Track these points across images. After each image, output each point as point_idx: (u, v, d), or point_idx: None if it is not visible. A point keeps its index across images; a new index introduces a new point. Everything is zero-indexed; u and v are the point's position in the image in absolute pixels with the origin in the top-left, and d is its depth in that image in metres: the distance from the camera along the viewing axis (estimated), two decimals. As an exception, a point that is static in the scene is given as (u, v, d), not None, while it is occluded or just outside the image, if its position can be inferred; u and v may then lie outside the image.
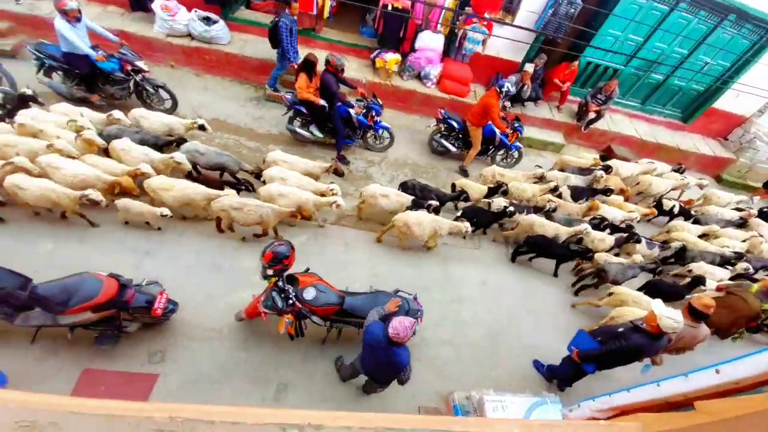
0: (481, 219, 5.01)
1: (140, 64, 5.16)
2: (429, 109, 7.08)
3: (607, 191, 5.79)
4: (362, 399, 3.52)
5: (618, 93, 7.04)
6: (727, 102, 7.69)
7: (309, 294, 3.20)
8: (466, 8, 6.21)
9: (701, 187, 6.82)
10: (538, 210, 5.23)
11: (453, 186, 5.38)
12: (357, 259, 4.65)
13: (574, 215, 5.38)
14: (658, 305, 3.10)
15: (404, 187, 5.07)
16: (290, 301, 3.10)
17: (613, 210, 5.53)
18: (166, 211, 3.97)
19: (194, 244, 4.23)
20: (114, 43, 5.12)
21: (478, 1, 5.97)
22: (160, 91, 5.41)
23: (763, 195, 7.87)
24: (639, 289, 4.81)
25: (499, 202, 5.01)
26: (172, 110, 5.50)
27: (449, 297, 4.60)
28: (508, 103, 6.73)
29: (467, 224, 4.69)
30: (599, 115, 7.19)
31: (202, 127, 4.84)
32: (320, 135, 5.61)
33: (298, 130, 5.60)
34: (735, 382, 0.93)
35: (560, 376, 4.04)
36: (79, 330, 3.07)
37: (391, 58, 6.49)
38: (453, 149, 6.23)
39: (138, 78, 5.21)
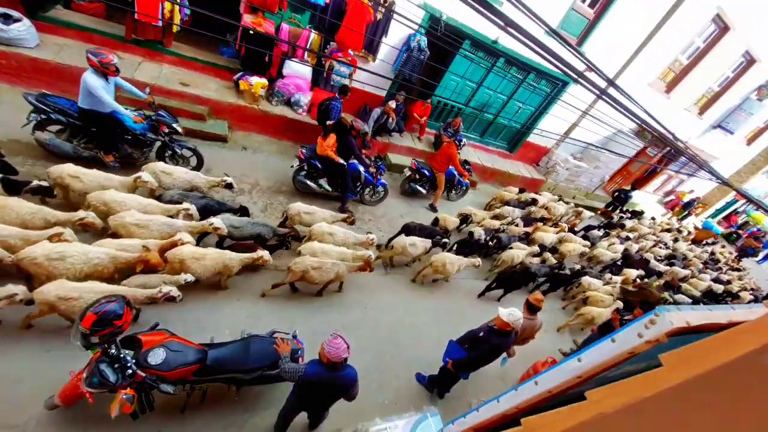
0: (473, 249, 6.12)
1: (176, 126, 4.80)
2: (300, 135, 7.01)
3: (542, 219, 8.05)
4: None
5: (462, 128, 8.38)
6: (535, 138, 10.01)
7: (156, 357, 2.61)
8: (331, 43, 6.48)
9: (577, 206, 9.33)
10: (498, 231, 6.87)
11: (435, 220, 6.40)
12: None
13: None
14: (501, 310, 3.68)
15: (407, 228, 5.75)
16: (129, 372, 2.47)
17: (549, 235, 7.38)
18: (189, 277, 3.44)
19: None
20: (140, 98, 4.58)
21: (343, 36, 6.30)
22: (186, 151, 5.01)
23: (604, 212, 11.40)
24: (545, 281, 6.72)
25: (479, 232, 6.32)
26: (198, 169, 5.04)
27: (333, 326, 4.49)
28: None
29: (479, 260, 5.77)
30: (451, 145, 8.40)
31: (229, 186, 4.62)
32: (329, 188, 6.02)
33: (308, 182, 5.91)
34: (548, 391, 1.12)
35: (439, 385, 4.37)
36: None
37: (257, 81, 6.20)
38: (424, 191, 7.45)
39: (167, 139, 4.80)
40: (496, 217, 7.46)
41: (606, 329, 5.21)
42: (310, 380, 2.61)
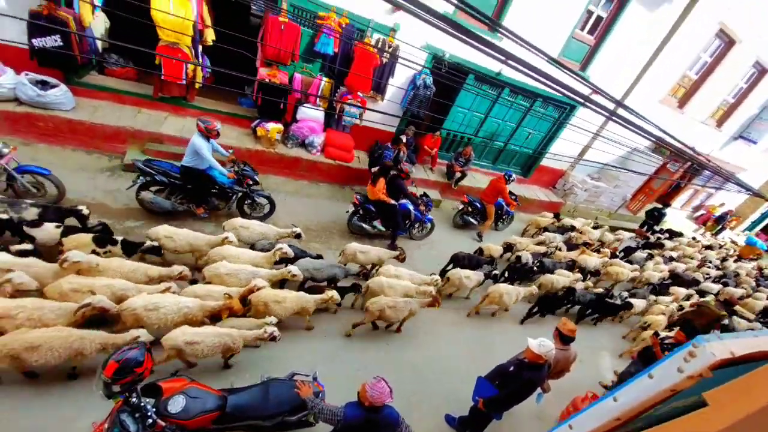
0: (521, 274, 6.50)
1: (257, 178, 5.42)
2: (315, 174, 7.23)
3: (586, 244, 8.13)
4: None
5: (474, 156, 8.46)
6: (549, 161, 9.97)
7: (176, 405, 2.57)
8: (341, 87, 6.83)
9: (613, 229, 9.18)
10: (544, 255, 7.16)
11: (480, 250, 6.52)
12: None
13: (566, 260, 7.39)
14: (531, 342, 3.48)
15: (456, 258, 5.95)
16: (150, 421, 2.43)
17: (593, 259, 7.45)
18: (274, 319, 3.79)
19: None
20: (225, 157, 5.22)
21: (351, 81, 6.64)
22: (262, 199, 5.60)
23: (639, 233, 11.06)
24: (589, 306, 6.46)
25: (527, 256, 6.55)
26: (268, 216, 5.72)
27: (354, 366, 4.35)
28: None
29: (535, 288, 5.90)
30: (463, 174, 8.44)
31: (298, 236, 5.07)
32: (383, 228, 6.36)
33: (364, 225, 6.28)
34: (585, 434, 1.02)
35: (471, 427, 4.07)
36: None
37: (273, 127, 6.53)
38: (475, 222, 7.86)
39: (248, 190, 5.37)
40: (540, 243, 7.63)
41: (646, 354, 4.83)
42: (351, 424, 2.52)
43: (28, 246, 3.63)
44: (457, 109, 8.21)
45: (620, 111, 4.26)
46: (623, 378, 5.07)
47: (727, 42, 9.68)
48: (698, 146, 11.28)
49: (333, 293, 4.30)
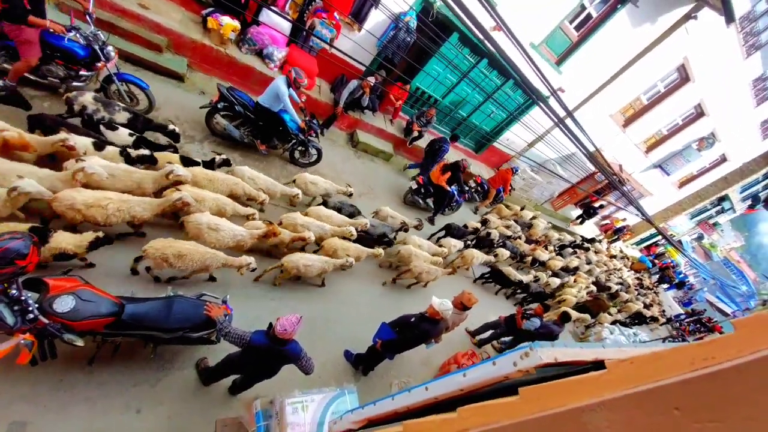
0: (485, 244, 7.91)
1: (319, 132, 5.98)
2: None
3: (537, 241, 9.89)
4: (134, 420, 3.00)
5: (435, 120, 8.43)
6: (500, 144, 10.37)
7: (63, 304, 2.45)
8: (316, 1, 6.09)
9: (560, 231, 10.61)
10: (508, 237, 8.71)
11: (465, 225, 7.73)
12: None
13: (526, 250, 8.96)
14: (434, 300, 3.91)
15: (449, 227, 7.24)
16: (31, 316, 2.31)
17: (545, 254, 9.10)
18: (351, 260, 4.75)
19: None
20: (296, 103, 5.52)
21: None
22: (313, 149, 6.07)
23: (573, 223, 12.47)
24: (532, 295, 8.14)
25: (496, 234, 8.05)
26: (313, 165, 6.26)
27: (269, 295, 4.47)
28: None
29: (493, 257, 7.42)
30: (420, 134, 8.42)
31: (350, 195, 5.78)
32: (432, 206, 7.91)
33: (419, 199, 7.72)
34: (434, 397, 1.24)
35: (365, 363, 4.58)
36: None
37: (228, 23, 5.70)
38: (478, 199, 9.90)
39: (307, 139, 5.81)
40: (507, 227, 9.15)
41: (510, 320, 5.86)
42: (254, 347, 2.73)
43: (145, 151, 3.90)
44: (424, 75, 7.93)
45: (572, 116, 4.53)
46: (487, 327, 6.32)
47: (683, 77, 10.47)
48: (626, 164, 12.62)
49: (380, 250, 5.29)
